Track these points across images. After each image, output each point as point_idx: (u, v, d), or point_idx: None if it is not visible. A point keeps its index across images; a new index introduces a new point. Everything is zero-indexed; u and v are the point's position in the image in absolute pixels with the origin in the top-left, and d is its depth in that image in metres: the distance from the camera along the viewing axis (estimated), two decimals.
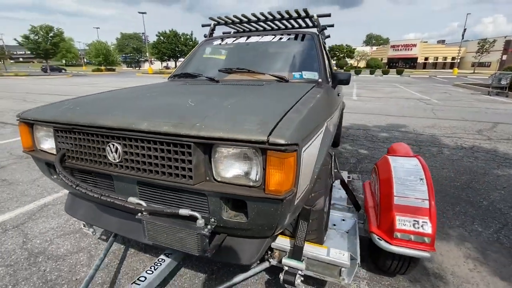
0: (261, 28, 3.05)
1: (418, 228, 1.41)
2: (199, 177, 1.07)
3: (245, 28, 3.11)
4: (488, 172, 3.46)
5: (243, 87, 1.84)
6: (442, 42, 71.29)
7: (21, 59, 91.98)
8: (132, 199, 1.16)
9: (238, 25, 2.95)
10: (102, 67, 44.24)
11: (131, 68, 67.94)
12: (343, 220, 1.82)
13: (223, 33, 3.27)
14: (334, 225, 1.80)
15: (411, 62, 58.53)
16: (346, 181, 2.15)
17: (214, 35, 2.95)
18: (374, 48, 73.83)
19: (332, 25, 3.07)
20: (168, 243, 1.14)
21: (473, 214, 2.48)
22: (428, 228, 1.40)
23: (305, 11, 2.55)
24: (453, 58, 51.20)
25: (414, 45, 58.21)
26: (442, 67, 55.94)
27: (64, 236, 2.13)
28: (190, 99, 1.45)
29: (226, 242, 1.26)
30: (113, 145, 1.17)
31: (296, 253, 1.38)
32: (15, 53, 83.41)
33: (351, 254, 1.43)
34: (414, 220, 1.43)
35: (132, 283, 1.32)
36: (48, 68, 34.56)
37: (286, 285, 1.46)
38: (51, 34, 31.15)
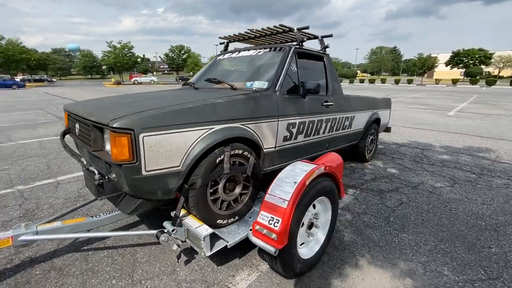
0: (266, 43, 3.38)
1: (271, 224, 1.51)
2: (97, 147, 1.65)
3: (254, 43, 3.50)
4: None
5: (191, 91, 2.37)
6: None
7: (165, 72, 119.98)
8: (82, 159, 1.87)
9: (247, 40, 3.39)
10: None
11: None
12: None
13: (234, 48, 3.77)
14: (250, 218, 2.02)
15: None
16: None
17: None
18: None
19: (330, 35, 3.07)
20: (89, 187, 1.78)
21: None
22: (278, 226, 1.48)
23: (284, 26, 2.73)
24: None
25: None
26: None
27: None
28: (143, 100, 2.05)
29: (126, 198, 1.80)
30: (76, 124, 1.92)
31: (174, 219, 1.75)
32: (161, 67, 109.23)
33: (217, 233, 1.67)
34: (271, 217, 1.52)
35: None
36: (179, 78, 44.04)
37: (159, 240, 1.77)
38: (182, 52, 39.57)
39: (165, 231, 1.74)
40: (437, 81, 36.23)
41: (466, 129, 6.69)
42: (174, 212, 1.78)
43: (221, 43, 3.52)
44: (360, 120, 3.66)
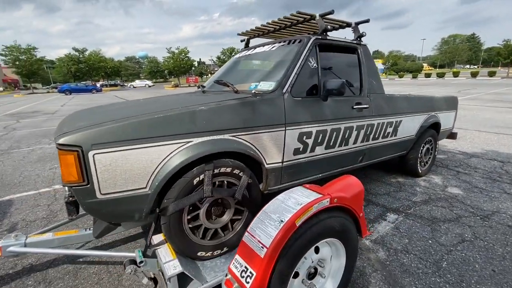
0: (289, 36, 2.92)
1: (243, 277, 1.11)
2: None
3: (276, 37, 3.07)
4: None
5: (192, 96, 2.10)
6: None
7: None
8: None
9: (268, 34, 2.98)
10: None
11: None
12: None
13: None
14: None
15: None
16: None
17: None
18: None
19: (367, 21, 2.45)
20: None
21: None
22: (250, 283, 1.07)
23: (304, 14, 2.23)
24: None
25: None
26: None
27: None
28: (119, 109, 1.84)
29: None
30: None
31: (145, 248, 1.49)
32: (215, 69, 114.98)
33: (187, 273, 1.34)
34: (245, 266, 1.12)
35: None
36: None
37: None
38: (233, 54, 40.71)
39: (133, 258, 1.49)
40: None
41: None
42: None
43: (241, 41, 3.20)
44: (409, 125, 2.92)
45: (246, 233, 1.22)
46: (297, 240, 1.16)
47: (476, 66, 75.71)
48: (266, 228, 1.16)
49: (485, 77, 29.18)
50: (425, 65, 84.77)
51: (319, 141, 2.06)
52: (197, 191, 1.45)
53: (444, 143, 4.78)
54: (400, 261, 1.90)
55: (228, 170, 1.56)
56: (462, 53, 75.93)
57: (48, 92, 36.75)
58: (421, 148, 3.20)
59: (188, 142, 1.43)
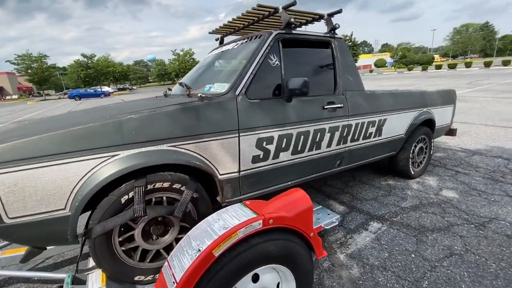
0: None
1: None
2: None
3: (247, 33, 2.87)
4: None
5: (148, 101, 1.96)
6: None
7: None
8: None
9: (238, 31, 2.79)
10: None
11: None
12: None
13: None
14: None
15: None
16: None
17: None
18: None
19: (339, 11, 2.23)
20: None
21: None
22: None
23: (265, 6, 2.02)
24: None
25: None
26: None
27: None
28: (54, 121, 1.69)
29: None
30: None
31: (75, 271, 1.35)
32: None
33: None
34: None
35: None
36: None
37: None
38: None
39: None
40: None
41: None
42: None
43: (216, 39, 3.02)
44: (397, 123, 2.68)
45: (165, 263, 1.05)
46: (219, 272, 0.97)
47: (492, 57, 72.63)
48: (183, 258, 0.99)
49: (500, 67, 27.89)
50: (436, 56, 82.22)
51: (283, 146, 1.86)
52: (126, 210, 1.29)
53: (445, 140, 4.46)
54: (374, 280, 1.68)
55: (166, 184, 1.39)
56: (476, 43, 73.15)
57: (60, 98, 37.67)
58: (413, 147, 2.94)
59: (113, 156, 1.27)
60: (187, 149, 1.47)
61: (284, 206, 1.16)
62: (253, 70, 1.75)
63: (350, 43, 37.89)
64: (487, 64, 28.62)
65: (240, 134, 1.64)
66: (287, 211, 1.14)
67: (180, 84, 2.23)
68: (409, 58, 56.42)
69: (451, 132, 3.63)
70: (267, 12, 2.13)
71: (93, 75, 44.50)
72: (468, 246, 1.92)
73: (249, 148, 1.70)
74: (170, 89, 2.55)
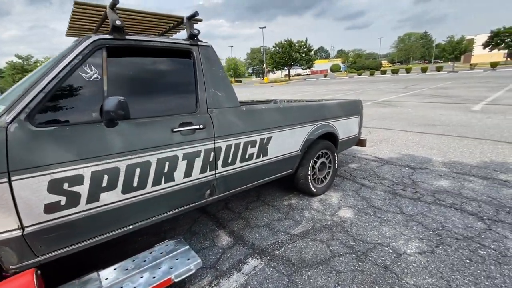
0: None
1: None
2: None
3: None
4: None
5: None
6: None
7: None
8: None
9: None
10: (232, 79, 51.86)
11: (259, 78, 75.82)
12: None
13: None
14: None
15: None
16: None
17: None
18: None
19: (195, 14, 1.89)
20: None
21: None
22: None
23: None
24: None
25: None
26: None
27: None
28: None
29: None
30: None
31: None
32: None
33: None
34: None
35: None
36: None
37: None
38: None
39: None
40: (472, 66, 31.85)
41: (492, 132, 4.97)
42: None
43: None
44: (288, 140, 2.42)
45: None
46: None
47: (424, 62, 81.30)
48: None
49: (434, 72, 31.07)
50: (385, 62, 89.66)
51: (104, 185, 1.43)
52: None
53: (363, 149, 4.45)
54: None
55: None
56: (416, 50, 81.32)
57: None
58: (312, 164, 2.73)
59: None
60: None
61: None
62: (45, 87, 1.30)
63: (305, 48, 39.18)
64: (424, 70, 31.69)
65: (13, 178, 1.18)
66: None
67: None
68: (360, 63, 60.50)
69: (361, 143, 3.55)
70: (93, 11, 1.69)
71: None
72: (341, 285, 1.69)
73: (36, 194, 1.24)
74: None
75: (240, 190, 2.21)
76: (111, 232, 1.53)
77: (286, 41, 38.99)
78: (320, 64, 77.20)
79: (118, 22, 1.52)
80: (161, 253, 1.81)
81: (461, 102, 8.72)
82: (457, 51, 32.71)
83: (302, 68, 43.00)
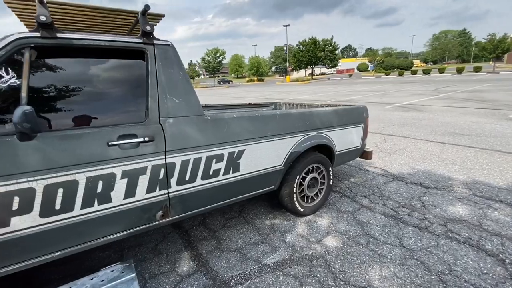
0: None
1: None
2: None
3: None
4: None
5: None
6: None
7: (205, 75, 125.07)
8: None
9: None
10: (255, 78, 51.69)
11: (282, 77, 75.09)
12: None
13: None
14: None
15: None
16: None
17: None
18: None
19: (159, 16, 1.62)
20: None
21: None
22: None
23: None
24: None
25: None
26: None
27: None
28: None
29: None
30: None
31: None
32: (200, 71, 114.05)
33: None
34: None
35: None
36: (218, 80, 44.83)
37: None
38: (217, 54, 39.89)
39: None
40: None
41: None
42: None
43: None
44: (266, 153, 2.10)
45: None
46: None
47: (469, 63, 75.35)
48: None
49: (471, 73, 28.57)
50: (417, 61, 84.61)
51: (16, 208, 1.22)
52: None
53: (372, 160, 3.97)
54: None
55: None
56: (453, 49, 75.67)
57: None
58: (299, 180, 2.38)
59: None
60: None
61: None
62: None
63: (331, 47, 37.88)
64: (459, 70, 29.26)
65: None
66: None
67: None
68: (389, 62, 57.47)
69: (366, 155, 3.12)
70: (26, 6, 1.49)
71: None
72: None
73: None
74: None
75: (207, 210, 1.93)
76: (29, 260, 1.33)
77: (310, 39, 37.97)
78: (346, 63, 74.68)
79: (42, 18, 1.30)
80: (102, 280, 1.60)
81: (497, 108, 7.74)
82: (499, 50, 29.73)
83: (326, 67, 41.75)
